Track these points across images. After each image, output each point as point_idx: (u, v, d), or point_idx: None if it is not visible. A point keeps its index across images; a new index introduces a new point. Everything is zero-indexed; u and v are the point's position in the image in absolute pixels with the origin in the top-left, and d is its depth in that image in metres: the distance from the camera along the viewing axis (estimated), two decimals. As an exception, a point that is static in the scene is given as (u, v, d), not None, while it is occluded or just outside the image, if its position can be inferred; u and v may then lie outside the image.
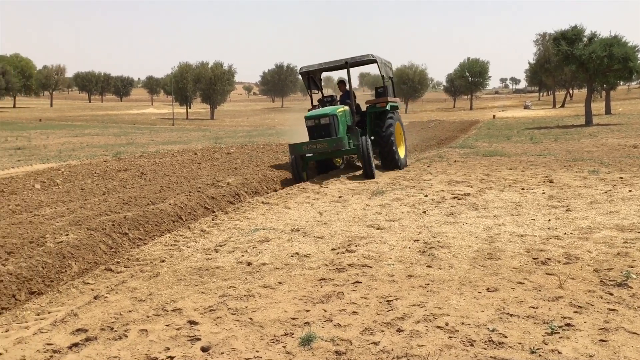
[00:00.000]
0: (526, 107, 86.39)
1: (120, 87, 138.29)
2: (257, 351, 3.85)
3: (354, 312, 4.42)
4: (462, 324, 4.07)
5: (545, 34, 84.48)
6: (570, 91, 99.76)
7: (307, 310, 4.51)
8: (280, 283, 5.24)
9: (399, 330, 4.01)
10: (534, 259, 5.62)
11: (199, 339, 4.12)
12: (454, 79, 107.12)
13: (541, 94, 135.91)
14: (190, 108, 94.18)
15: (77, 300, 5.28)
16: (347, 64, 13.60)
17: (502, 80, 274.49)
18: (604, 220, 7.17)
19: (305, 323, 4.25)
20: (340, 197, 9.99)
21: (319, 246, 6.49)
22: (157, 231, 8.20)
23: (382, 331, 4.02)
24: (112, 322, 4.58)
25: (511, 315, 4.20)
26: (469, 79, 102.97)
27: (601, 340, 3.72)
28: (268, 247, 6.57)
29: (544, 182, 10.67)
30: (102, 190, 11.18)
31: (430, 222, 7.45)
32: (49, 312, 5.02)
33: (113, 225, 7.75)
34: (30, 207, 9.54)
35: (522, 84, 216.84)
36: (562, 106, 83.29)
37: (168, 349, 4.00)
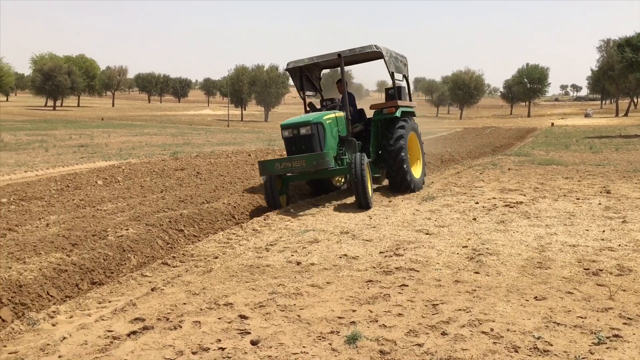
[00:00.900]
0: (587, 115, 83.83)
1: (179, 88, 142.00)
2: (304, 347, 3.99)
3: (400, 314, 4.50)
4: (508, 330, 4.09)
5: (610, 40, 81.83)
6: (635, 99, 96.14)
7: (354, 310, 4.62)
8: (328, 283, 5.37)
9: (444, 334, 4.07)
10: (585, 269, 5.55)
11: (249, 333, 4.29)
12: (512, 85, 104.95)
13: (603, 102, 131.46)
14: (245, 110, 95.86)
15: (136, 291, 5.56)
16: (340, 57, 10.35)
17: (563, 87, 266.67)
18: (662, 233, 6.97)
19: (351, 322, 4.36)
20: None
21: (367, 249, 6.59)
22: (211, 229, 8.49)
23: (427, 334, 4.09)
24: (168, 313, 4.82)
25: (558, 324, 4.19)
26: (528, 85, 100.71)
27: (650, 353, 3.67)
28: (317, 248, 6.71)
29: (601, 192, 10.42)
30: (159, 188, 11.62)
31: (480, 229, 7.43)
32: (110, 302, 5.32)
33: (170, 221, 8.07)
34: (93, 202, 10.02)
35: (584, 92, 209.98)
36: (626, 115, 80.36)
37: (219, 340, 4.19)
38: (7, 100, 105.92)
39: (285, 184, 10.21)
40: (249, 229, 8.04)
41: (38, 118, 57.16)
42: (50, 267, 6.19)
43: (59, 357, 4.08)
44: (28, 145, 24.82)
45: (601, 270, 5.50)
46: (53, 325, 4.79)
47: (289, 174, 9.89)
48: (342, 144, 10.36)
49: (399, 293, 4.99)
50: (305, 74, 11.77)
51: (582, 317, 4.30)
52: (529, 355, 3.68)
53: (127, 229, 7.53)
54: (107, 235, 7.24)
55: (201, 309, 4.85)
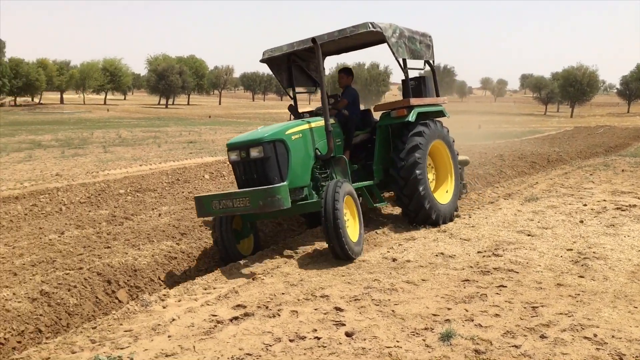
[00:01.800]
0: None
1: (281, 87, 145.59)
2: (397, 341, 4.03)
3: (497, 314, 4.42)
4: (613, 337, 3.91)
5: None
6: None
7: (449, 309, 4.60)
8: (423, 280, 5.36)
9: (543, 337, 3.96)
10: None
11: (344, 325, 4.40)
12: (630, 81, 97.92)
13: None
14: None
15: (238, 279, 5.85)
16: (315, 43, 6.92)
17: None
18: None
19: (446, 320, 4.34)
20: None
21: (465, 248, 6.49)
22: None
23: (525, 336, 4.00)
24: (267, 301, 5.04)
25: (670, 334, 3.94)
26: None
27: None
28: (413, 246, 6.71)
29: None
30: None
31: (587, 232, 7.07)
32: (214, 288, 5.63)
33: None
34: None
35: None
36: None
37: (315, 330, 4.34)
38: (124, 98, 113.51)
39: (247, 225, 7.26)
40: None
41: (152, 115, 60.87)
42: (162, 254, 6.66)
43: (169, 336, 4.40)
44: (143, 141, 26.53)
45: None
46: (163, 307, 5.15)
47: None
48: (325, 165, 7.34)
49: (497, 294, 4.90)
50: (297, 64, 8.66)
51: (698, 329, 4.02)
52: (635, 364, 3.50)
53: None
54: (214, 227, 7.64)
55: (298, 300, 5.03)
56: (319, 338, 4.17)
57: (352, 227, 6.50)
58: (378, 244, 7.05)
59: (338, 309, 4.74)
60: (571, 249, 6.26)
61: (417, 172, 7.48)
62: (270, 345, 4.12)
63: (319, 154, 7.07)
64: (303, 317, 4.61)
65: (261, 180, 6.50)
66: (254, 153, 6.50)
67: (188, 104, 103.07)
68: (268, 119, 63.13)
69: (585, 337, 3.91)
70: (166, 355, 4.08)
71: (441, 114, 8.65)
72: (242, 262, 6.49)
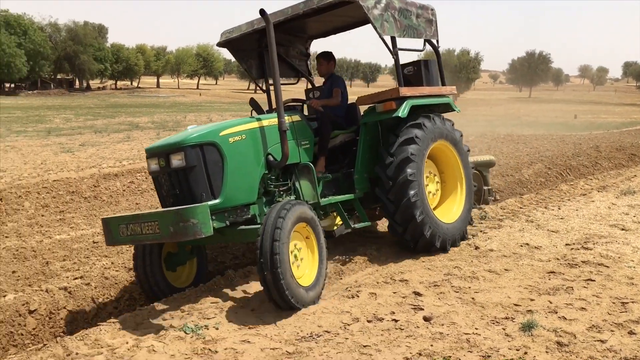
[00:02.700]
0: None
1: (368, 73, 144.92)
2: (476, 328, 4.00)
3: (583, 308, 4.27)
4: None
5: None
6: None
7: (532, 300, 4.49)
8: (506, 270, 5.25)
9: (631, 333, 3.79)
10: None
11: (422, 309, 4.41)
12: None
13: None
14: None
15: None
16: (263, 15, 5.22)
17: None
18: None
19: (528, 311, 4.25)
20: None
21: (552, 240, 6.27)
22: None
23: (612, 331, 3.85)
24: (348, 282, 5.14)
25: None
26: None
27: None
28: (498, 235, 6.56)
29: None
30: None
31: (689, 229, 6.63)
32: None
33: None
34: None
35: None
36: None
37: (393, 312, 4.38)
38: (216, 83, 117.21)
39: (185, 249, 5.72)
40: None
41: (241, 100, 62.49)
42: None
43: (252, 309, 4.60)
44: (232, 125, 27.39)
45: None
46: (247, 283, 5.37)
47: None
48: (288, 174, 5.74)
49: (584, 287, 4.72)
50: (284, 47, 7.19)
51: None
52: None
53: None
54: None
55: (377, 282, 5.09)
56: (396, 320, 4.21)
57: (306, 266, 4.86)
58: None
59: (417, 293, 4.75)
60: (669, 246, 5.91)
61: (411, 192, 5.66)
62: (348, 325, 4.21)
63: (272, 160, 5.40)
64: (381, 300, 4.66)
65: (185, 197, 4.92)
66: (175, 161, 4.90)
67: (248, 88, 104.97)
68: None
69: (679, 337, 3.72)
70: (249, 327, 4.28)
71: (448, 107, 6.68)
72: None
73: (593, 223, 6.99)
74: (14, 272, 6.22)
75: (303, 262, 4.84)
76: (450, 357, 3.59)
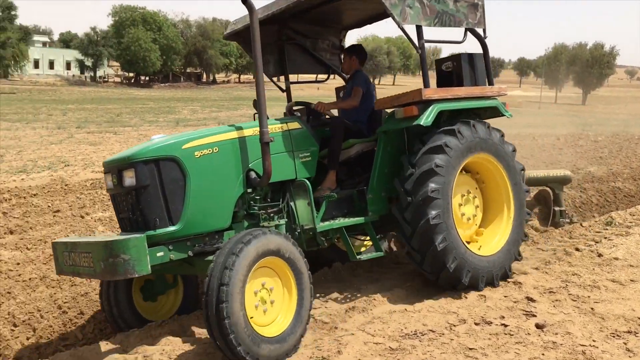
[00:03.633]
0: None
1: (496, 67, 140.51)
2: (593, 340, 3.76)
3: None
4: None
5: None
6: None
7: (660, 315, 4.14)
8: (631, 281, 4.87)
9: None
10: None
11: (534, 315, 4.21)
12: None
13: None
14: (559, 92, 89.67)
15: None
16: (245, 2, 4.28)
17: None
18: None
19: (655, 326, 3.92)
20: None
21: (690, 251, 5.72)
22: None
23: None
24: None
25: None
26: None
27: None
28: (624, 242, 6.08)
29: None
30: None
31: None
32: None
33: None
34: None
35: None
36: None
37: (503, 317, 4.23)
38: (334, 78, 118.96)
39: (164, 276, 5.02)
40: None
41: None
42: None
43: (363, 309, 4.63)
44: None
45: None
46: (354, 276, 5.40)
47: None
48: (280, 193, 4.86)
49: None
50: (296, 43, 6.19)
51: None
52: None
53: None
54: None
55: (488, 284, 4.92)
56: (505, 325, 4.06)
57: (279, 311, 3.97)
58: (575, 236, 6.53)
59: (530, 299, 4.54)
60: None
61: (432, 213, 4.59)
62: (454, 325, 4.12)
63: (255, 178, 4.52)
64: (491, 302, 4.51)
65: (137, 221, 4.22)
66: (127, 179, 4.17)
67: (393, 84, 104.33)
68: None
69: None
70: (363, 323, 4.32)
71: (495, 111, 5.35)
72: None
73: None
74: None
75: (274, 305, 3.93)
76: (562, 368, 3.40)
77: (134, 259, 3.72)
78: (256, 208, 4.59)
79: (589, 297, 4.53)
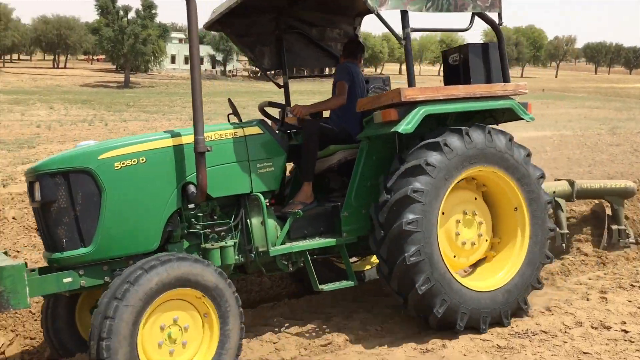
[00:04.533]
0: None
1: (632, 58, 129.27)
2: None
3: None
4: None
5: None
6: None
7: None
8: None
9: None
10: None
11: (661, 323, 3.92)
12: None
13: None
14: None
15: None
16: None
17: None
18: None
19: None
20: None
21: None
22: None
23: None
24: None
25: None
26: None
27: None
28: None
29: None
30: (588, 162, 11.23)
31: None
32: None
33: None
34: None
35: None
36: None
37: (624, 322, 4.00)
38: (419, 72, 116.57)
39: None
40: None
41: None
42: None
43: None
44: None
45: None
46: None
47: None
48: (234, 209, 4.16)
49: None
50: (298, 31, 5.43)
51: None
52: None
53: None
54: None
55: (610, 287, 4.66)
56: (626, 331, 3.83)
57: (192, 352, 3.41)
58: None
59: (658, 306, 4.23)
60: None
61: (409, 249, 3.79)
62: (569, 328, 3.98)
63: (192, 193, 3.85)
64: (612, 306, 4.27)
65: (48, 242, 3.76)
66: (35, 193, 3.65)
67: (521, 76, 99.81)
68: (612, 94, 57.11)
69: None
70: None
71: (511, 113, 4.37)
72: None
73: None
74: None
75: (188, 346, 3.36)
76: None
77: (8, 291, 3.23)
78: (198, 227, 3.94)
79: None
